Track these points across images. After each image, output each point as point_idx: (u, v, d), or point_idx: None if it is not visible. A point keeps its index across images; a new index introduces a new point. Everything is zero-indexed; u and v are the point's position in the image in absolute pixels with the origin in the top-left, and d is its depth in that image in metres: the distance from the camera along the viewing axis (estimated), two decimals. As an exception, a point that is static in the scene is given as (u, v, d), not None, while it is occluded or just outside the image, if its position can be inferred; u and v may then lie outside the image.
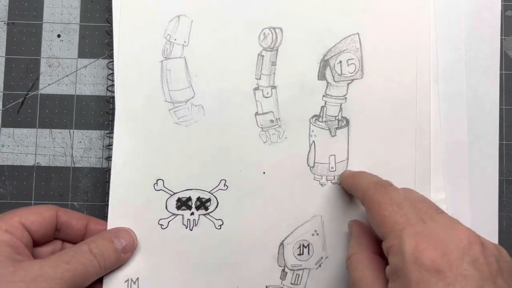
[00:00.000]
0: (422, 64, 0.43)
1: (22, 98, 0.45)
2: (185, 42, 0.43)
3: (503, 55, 0.44)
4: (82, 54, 0.45)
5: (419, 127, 0.42)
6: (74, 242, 0.40)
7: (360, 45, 0.43)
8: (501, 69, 0.44)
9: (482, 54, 0.44)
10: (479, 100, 0.44)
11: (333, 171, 0.42)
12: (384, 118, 0.42)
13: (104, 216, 0.43)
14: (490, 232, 0.43)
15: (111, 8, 0.44)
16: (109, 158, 0.44)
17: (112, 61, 0.44)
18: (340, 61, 0.43)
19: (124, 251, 0.39)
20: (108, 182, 0.44)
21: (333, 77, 0.42)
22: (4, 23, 0.45)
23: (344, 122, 0.42)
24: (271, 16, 0.43)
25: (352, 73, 0.42)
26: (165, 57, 0.43)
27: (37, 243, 0.38)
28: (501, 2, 0.44)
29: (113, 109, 0.44)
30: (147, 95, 0.42)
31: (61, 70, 0.45)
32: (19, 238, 0.36)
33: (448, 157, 0.43)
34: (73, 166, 0.45)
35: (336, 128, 0.42)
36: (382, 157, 0.42)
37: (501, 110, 0.44)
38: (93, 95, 0.45)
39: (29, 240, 0.37)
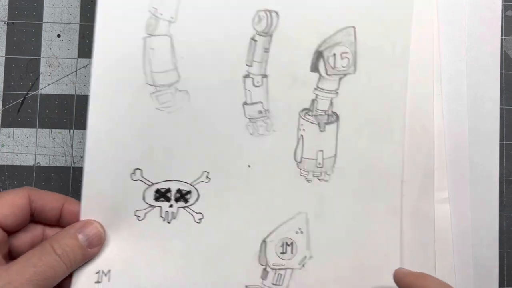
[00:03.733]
0: (424, 63, 0.43)
1: (22, 98, 0.45)
2: (172, 18, 0.39)
3: (503, 55, 0.44)
4: (82, 54, 0.45)
5: (423, 126, 0.42)
6: (50, 224, 0.39)
7: (355, 39, 0.41)
8: (501, 69, 0.44)
9: (482, 54, 0.44)
10: (479, 100, 0.44)
11: (320, 167, 0.41)
12: (373, 116, 0.41)
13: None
14: (490, 232, 0.43)
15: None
16: (109, 158, 0.44)
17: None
18: (334, 54, 0.41)
19: (91, 245, 0.37)
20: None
21: (326, 70, 0.41)
22: (4, 23, 0.45)
23: (334, 117, 0.41)
24: None
25: (345, 67, 0.41)
26: (149, 34, 0.39)
27: (12, 232, 0.37)
28: (502, 2, 0.44)
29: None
30: (127, 75, 0.39)
31: (61, 70, 0.45)
32: None
33: (448, 157, 0.43)
34: (73, 166, 0.45)
35: (326, 123, 0.41)
36: (369, 154, 0.41)
37: (501, 110, 0.44)
38: (93, 95, 0.45)
39: (3, 236, 0.35)
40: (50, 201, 0.38)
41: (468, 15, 0.44)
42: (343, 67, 0.41)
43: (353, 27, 0.41)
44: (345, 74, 0.41)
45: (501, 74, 0.44)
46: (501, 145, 0.44)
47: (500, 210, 0.43)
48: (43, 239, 0.38)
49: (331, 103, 0.41)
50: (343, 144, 0.41)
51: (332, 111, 0.41)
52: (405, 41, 0.42)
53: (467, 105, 0.43)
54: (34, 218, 0.38)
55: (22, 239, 0.37)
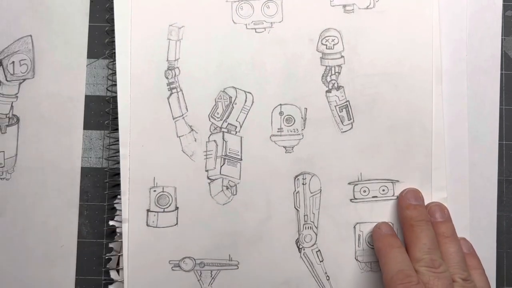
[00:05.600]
0: (423, 64, 0.43)
1: None
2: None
3: (503, 55, 0.44)
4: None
5: (422, 126, 0.42)
6: None
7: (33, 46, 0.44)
8: (501, 69, 0.44)
9: (482, 55, 0.44)
10: (479, 100, 0.44)
11: (1, 166, 0.44)
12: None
13: (103, 215, 0.44)
14: (488, 232, 0.43)
15: (111, 8, 0.44)
16: (109, 158, 0.44)
17: (112, 61, 0.44)
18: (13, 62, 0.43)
19: None
20: (108, 182, 0.44)
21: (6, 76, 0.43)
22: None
23: (15, 120, 0.44)
24: None
25: (24, 73, 0.44)
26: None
27: None
28: (502, 2, 0.44)
29: (113, 109, 0.44)
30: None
31: (61, 70, 0.45)
32: None
33: (448, 157, 0.43)
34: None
35: (7, 126, 0.44)
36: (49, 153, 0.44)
37: (501, 110, 0.44)
38: (93, 95, 0.45)
39: None
40: None
41: (468, 16, 0.44)
42: (22, 73, 0.43)
43: (30, 35, 0.44)
44: (24, 79, 0.43)
45: (501, 74, 0.44)
46: (500, 145, 0.44)
47: (500, 210, 0.43)
48: None
49: (12, 106, 0.43)
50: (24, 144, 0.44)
51: (13, 114, 0.43)
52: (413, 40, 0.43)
53: (467, 105, 0.43)
54: None
55: None
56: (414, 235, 0.39)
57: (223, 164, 0.43)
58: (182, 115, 0.43)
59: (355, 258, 0.42)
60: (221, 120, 0.43)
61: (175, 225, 0.43)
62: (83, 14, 0.45)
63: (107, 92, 0.45)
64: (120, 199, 0.43)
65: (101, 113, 0.45)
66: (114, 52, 0.44)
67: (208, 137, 0.43)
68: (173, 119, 0.43)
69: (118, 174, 0.43)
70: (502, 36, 0.44)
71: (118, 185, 0.43)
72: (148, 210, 0.43)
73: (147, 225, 0.43)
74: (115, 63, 0.43)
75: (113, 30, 0.44)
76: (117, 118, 0.43)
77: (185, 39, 0.44)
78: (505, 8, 0.44)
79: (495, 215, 0.43)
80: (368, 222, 0.43)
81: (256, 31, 0.44)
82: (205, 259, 0.43)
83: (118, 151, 0.43)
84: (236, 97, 0.43)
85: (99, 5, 0.45)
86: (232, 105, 0.43)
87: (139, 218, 0.42)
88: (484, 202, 0.43)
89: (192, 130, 0.43)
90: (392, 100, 0.43)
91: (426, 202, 0.42)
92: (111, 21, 0.44)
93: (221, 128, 0.43)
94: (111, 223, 0.44)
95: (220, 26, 0.44)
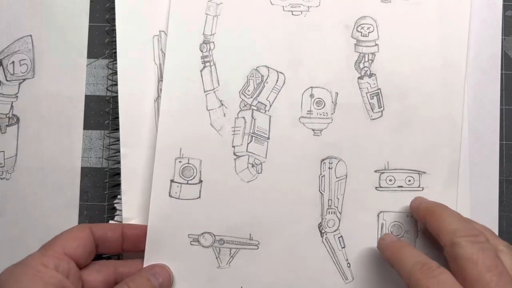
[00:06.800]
0: (456, 58, 0.43)
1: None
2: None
3: (503, 55, 0.44)
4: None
5: (452, 120, 0.42)
6: (114, 253, 0.41)
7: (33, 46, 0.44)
8: (501, 69, 0.44)
9: (482, 54, 0.44)
10: (479, 100, 0.44)
11: (1, 166, 0.44)
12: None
13: (103, 215, 0.44)
14: (489, 232, 0.43)
15: (111, 8, 0.44)
16: (109, 158, 0.44)
17: (112, 61, 0.44)
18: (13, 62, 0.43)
19: (161, 287, 0.39)
20: (108, 182, 0.44)
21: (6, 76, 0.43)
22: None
23: (15, 120, 0.44)
24: None
25: (24, 72, 0.44)
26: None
27: (83, 265, 0.38)
28: (502, 2, 0.44)
29: (113, 109, 0.44)
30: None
31: (61, 70, 0.45)
32: (66, 272, 0.35)
33: (448, 157, 0.43)
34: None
35: (7, 126, 0.44)
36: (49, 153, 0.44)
37: (501, 110, 0.44)
38: (93, 95, 0.45)
39: (76, 271, 0.37)
40: (109, 229, 0.39)
41: (469, 16, 0.44)
42: (22, 72, 0.43)
43: (30, 35, 0.44)
44: (24, 79, 0.43)
45: (501, 74, 0.44)
46: (501, 145, 0.44)
47: (500, 210, 0.43)
48: (115, 277, 0.39)
49: (12, 106, 0.44)
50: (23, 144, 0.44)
51: (13, 114, 0.44)
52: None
53: (467, 105, 0.43)
54: (99, 249, 0.39)
55: (96, 278, 0.38)
56: (437, 216, 0.37)
57: (250, 141, 0.43)
58: (214, 89, 0.43)
59: (377, 247, 0.41)
60: (251, 97, 0.43)
61: (197, 198, 0.42)
62: (83, 14, 0.45)
63: (107, 92, 0.45)
64: (120, 199, 0.43)
65: (101, 113, 0.45)
66: (114, 52, 0.44)
67: (237, 114, 0.43)
68: (204, 92, 0.43)
69: (118, 174, 0.43)
70: (502, 36, 0.44)
71: (118, 185, 0.43)
72: (172, 181, 0.42)
73: (170, 195, 0.42)
74: (115, 63, 0.43)
75: (113, 30, 0.44)
76: (117, 118, 0.43)
77: (222, 15, 0.43)
78: (505, 8, 0.44)
79: (495, 215, 0.43)
80: (392, 212, 0.42)
81: (292, 14, 0.43)
82: (225, 236, 0.42)
83: (118, 151, 0.43)
84: (268, 76, 0.43)
85: (99, 5, 0.45)
86: (264, 83, 0.43)
87: (162, 188, 0.42)
88: (484, 202, 0.43)
89: (222, 105, 0.43)
90: (423, 92, 0.42)
91: (452, 198, 0.41)
92: (111, 21, 0.44)
93: (251, 105, 0.43)
94: (111, 223, 0.43)
95: (257, 5, 0.44)
